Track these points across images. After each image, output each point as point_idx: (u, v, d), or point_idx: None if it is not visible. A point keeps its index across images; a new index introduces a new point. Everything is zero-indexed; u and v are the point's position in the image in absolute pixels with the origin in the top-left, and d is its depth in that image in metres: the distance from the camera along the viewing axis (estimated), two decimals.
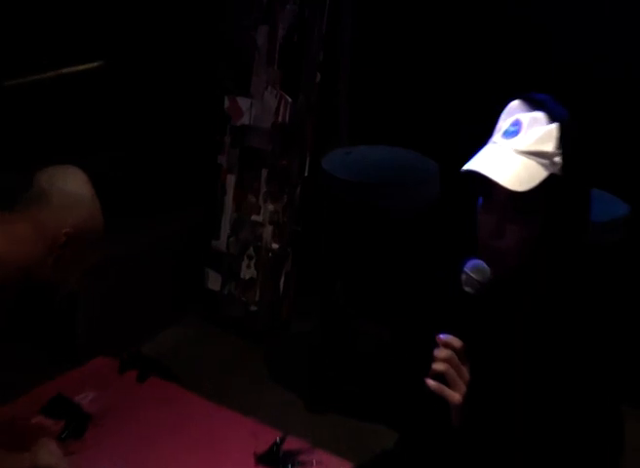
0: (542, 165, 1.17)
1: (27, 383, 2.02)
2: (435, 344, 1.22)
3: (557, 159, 1.16)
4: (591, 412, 1.24)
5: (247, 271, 2.42)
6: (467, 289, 1.22)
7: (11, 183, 1.72)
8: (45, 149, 2.06)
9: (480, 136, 1.24)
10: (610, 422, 1.27)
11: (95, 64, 2.44)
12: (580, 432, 1.23)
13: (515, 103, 1.20)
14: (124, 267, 2.39)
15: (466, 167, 1.16)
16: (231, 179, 2.41)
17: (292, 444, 1.71)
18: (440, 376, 1.22)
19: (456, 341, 1.21)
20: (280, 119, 2.38)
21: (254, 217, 2.39)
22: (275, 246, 2.37)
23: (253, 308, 2.38)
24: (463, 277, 1.23)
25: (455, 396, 1.22)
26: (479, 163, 1.18)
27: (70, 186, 1.60)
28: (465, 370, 1.24)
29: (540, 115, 1.17)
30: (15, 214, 1.58)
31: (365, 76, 2.42)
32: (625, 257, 2.21)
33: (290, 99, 2.42)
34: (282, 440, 1.71)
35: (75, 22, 2.43)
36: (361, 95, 2.45)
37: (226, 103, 2.37)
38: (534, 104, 1.20)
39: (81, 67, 2.44)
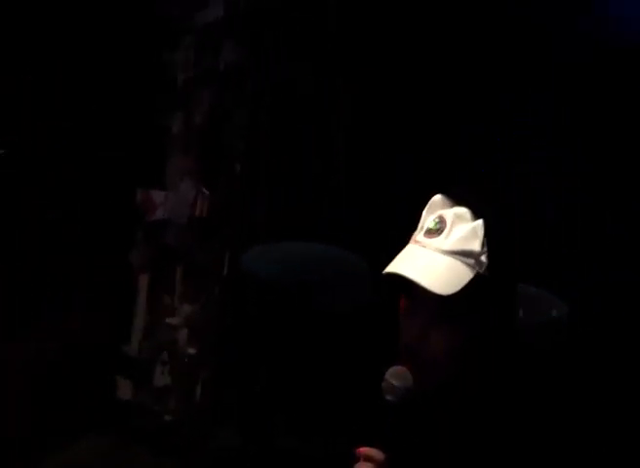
0: (468, 265, 1.14)
1: None
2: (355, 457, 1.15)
3: (483, 258, 1.14)
4: None
5: (161, 378, 2.26)
6: (388, 397, 1.17)
7: None
8: None
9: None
10: None
11: None
12: None
13: (437, 198, 1.17)
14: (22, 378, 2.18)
15: (388, 269, 1.13)
16: (144, 279, 2.25)
17: None
18: None
19: (377, 454, 1.16)
20: (197, 213, 2.24)
21: (168, 320, 2.23)
22: (192, 350, 2.21)
23: (167, 418, 2.22)
24: (384, 384, 1.17)
25: None
26: (401, 264, 1.15)
27: None
28: None
29: (463, 211, 1.15)
30: None
31: (285, 166, 2.34)
32: (564, 360, 2.22)
33: (205, 191, 2.29)
34: None
35: None
36: (282, 185, 2.38)
37: (138, 197, 2.21)
38: (457, 199, 1.18)
39: None
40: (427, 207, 1.20)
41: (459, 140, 2.15)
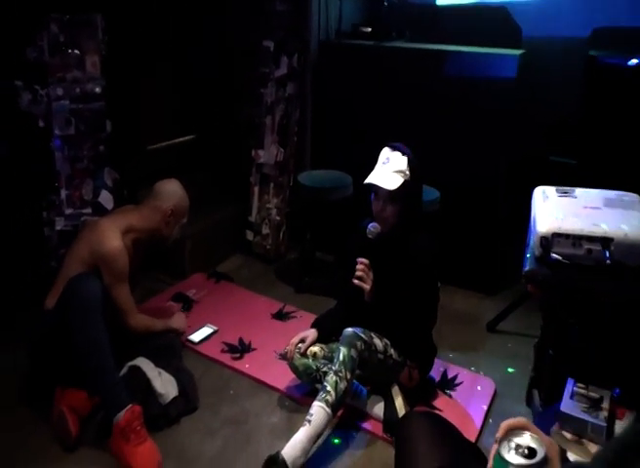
0: (402, 176, 2.19)
1: (162, 287, 3.52)
2: (356, 263, 2.28)
3: (407, 172, 2.19)
4: (423, 291, 2.31)
5: (264, 229, 3.94)
6: (370, 236, 2.30)
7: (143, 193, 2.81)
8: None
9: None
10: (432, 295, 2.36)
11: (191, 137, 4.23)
12: (419, 298, 2.29)
13: (386, 149, 2.24)
14: (206, 229, 3.81)
15: (367, 180, 2.18)
16: (255, 189, 3.94)
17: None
18: (360, 278, 2.28)
19: (366, 261, 2.29)
20: (278, 159, 3.85)
21: (267, 205, 3.90)
22: (277, 218, 3.93)
23: (268, 247, 3.96)
24: (367, 231, 2.29)
25: (367, 286, 2.29)
26: (372, 178, 2.18)
27: (170, 186, 2.74)
28: (371, 275, 2.30)
29: (398, 154, 2.22)
30: (142, 205, 2.69)
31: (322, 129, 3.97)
32: (438, 220, 3.02)
33: (282, 149, 3.84)
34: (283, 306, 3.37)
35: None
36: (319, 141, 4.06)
37: (253, 153, 3.89)
38: (394, 148, 2.24)
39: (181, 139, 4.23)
40: (381, 153, 2.19)
41: None
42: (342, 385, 2.16)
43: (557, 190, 2.39)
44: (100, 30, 3.07)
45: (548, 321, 2.32)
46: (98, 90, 3.15)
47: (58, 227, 3.16)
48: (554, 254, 2.03)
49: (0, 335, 2.90)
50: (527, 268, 2.17)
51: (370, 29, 3.97)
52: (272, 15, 3.70)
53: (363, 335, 2.26)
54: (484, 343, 3.13)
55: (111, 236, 2.46)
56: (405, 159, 2.19)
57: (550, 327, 2.27)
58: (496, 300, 3.48)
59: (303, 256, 3.75)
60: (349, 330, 2.27)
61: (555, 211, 2.18)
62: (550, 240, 2.04)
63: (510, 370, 2.96)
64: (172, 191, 2.68)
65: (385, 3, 3.96)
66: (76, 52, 3.04)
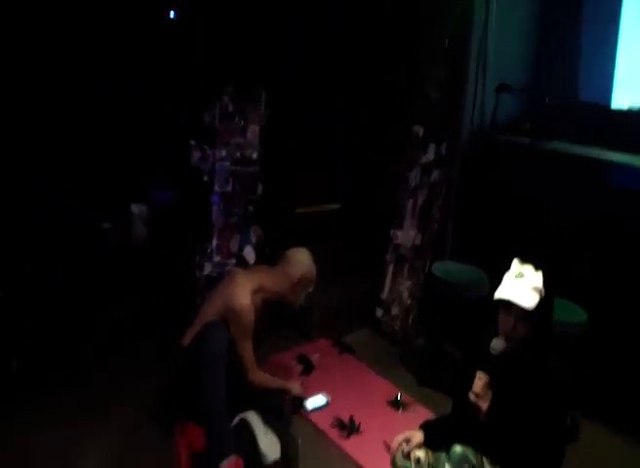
0: (537, 292, 2.02)
1: (288, 345, 3.61)
2: (474, 376, 2.11)
3: (542, 289, 2.02)
4: (544, 428, 1.98)
5: (394, 309, 3.96)
6: (493, 352, 2.09)
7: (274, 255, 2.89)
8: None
9: None
10: (555, 435, 2.01)
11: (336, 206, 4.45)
12: (538, 436, 1.97)
13: (515, 261, 2.09)
14: (336, 298, 3.95)
15: (498, 296, 2.05)
16: (390, 268, 3.98)
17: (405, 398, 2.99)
18: (477, 394, 2.13)
19: (485, 377, 2.11)
20: (415, 242, 3.91)
21: (400, 287, 3.96)
22: (409, 301, 3.96)
23: (396, 328, 3.96)
24: (491, 347, 2.11)
25: (483, 405, 2.13)
26: (504, 292, 2.04)
27: (300, 256, 2.80)
28: (490, 393, 2.11)
29: (531, 268, 2.06)
30: (275, 267, 2.76)
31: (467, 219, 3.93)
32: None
33: (420, 234, 3.91)
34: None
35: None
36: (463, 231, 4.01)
37: (391, 233, 4.00)
38: (526, 261, 2.10)
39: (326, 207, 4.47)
40: (512, 265, 2.07)
41: None
42: None
43: None
44: (263, 104, 3.44)
45: None
46: (255, 155, 3.48)
47: (205, 272, 3.47)
48: None
49: (134, 362, 3.22)
50: None
51: (529, 125, 3.90)
52: (425, 101, 3.82)
53: (473, 459, 2.11)
54: None
55: (242, 293, 2.59)
56: (540, 274, 2.07)
57: None
58: None
59: (430, 347, 3.67)
60: (460, 449, 2.14)
61: None
62: None
63: None
64: (301, 260, 2.78)
65: (547, 100, 3.86)
66: (241, 121, 3.40)
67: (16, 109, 3.57)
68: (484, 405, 2.11)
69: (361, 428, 2.95)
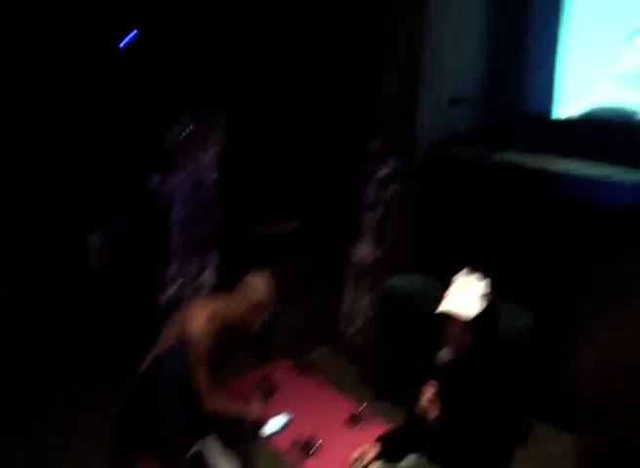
0: (482, 300, 2.11)
1: (249, 368, 3.60)
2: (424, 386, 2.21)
3: (488, 296, 2.12)
4: (494, 424, 2.10)
5: (356, 323, 4.06)
6: (439, 362, 2.31)
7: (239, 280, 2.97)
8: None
9: None
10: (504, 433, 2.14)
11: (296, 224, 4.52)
12: (484, 439, 2.08)
13: (464, 271, 2.21)
14: (296, 317, 3.99)
15: (440, 309, 2.13)
16: (350, 282, 4.10)
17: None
18: (425, 405, 2.22)
19: (433, 387, 2.23)
20: (374, 256, 4.23)
21: (360, 301, 4.04)
22: (369, 314, 4.01)
23: (357, 341, 4.07)
24: (437, 358, 2.31)
25: (431, 415, 2.22)
26: (448, 305, 2.13)
27: (259, 280, 2.87)
28: (438, 402, 2.20)
29: (474, 277, 2.15)
30: (233, 293, 2.85)
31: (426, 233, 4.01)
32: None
33: (379, 247, 4.02)
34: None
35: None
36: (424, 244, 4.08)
37: (350, 248, 4.38)
38: (471, 271, 2.20)
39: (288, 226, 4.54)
40: (456, 277, 2.14)
41: None
42: None
43: None
44: (223, 126, 3.47)
45: None
46: (214, 178, 3.51)
47: (166, 296, 3.53)
48: None
49: (94, 394, 3.22)
50: None
51: (485, 137, 3.92)
52: (380, 117, 3.87)
53: None
54: None
55: (198, 319, 2.61)
56: (484, 283, 2.12)
57: None
58: None
59: (389, 360, 3.64)
60: (413, 459, 2.19)
61: None
62: None
63: None
64: (259, 285, 2.81)
65: (496, 112, 3.91)
66: (201, 143, 3.41)
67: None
68: (434, 413, 2.15)
69: (321, 447, 2.96)
